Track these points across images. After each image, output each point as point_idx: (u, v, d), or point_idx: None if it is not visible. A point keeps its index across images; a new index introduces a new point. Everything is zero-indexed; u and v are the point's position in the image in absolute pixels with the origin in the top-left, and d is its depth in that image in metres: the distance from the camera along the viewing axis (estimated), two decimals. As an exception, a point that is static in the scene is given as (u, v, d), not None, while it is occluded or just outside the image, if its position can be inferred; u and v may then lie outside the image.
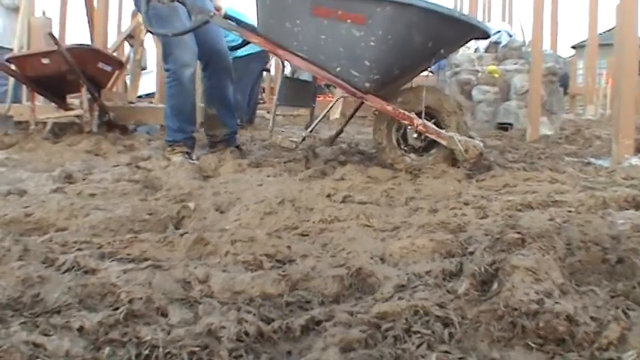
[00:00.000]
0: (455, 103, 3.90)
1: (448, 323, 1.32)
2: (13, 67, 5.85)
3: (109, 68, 6.04)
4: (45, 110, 6.19)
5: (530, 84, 6.56)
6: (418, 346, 1.23)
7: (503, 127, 7.85)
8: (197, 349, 1.21)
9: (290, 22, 3.71)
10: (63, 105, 6.04)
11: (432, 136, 3.66)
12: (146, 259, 1.86)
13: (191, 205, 2.56)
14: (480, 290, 1.50)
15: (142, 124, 6.49)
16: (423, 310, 1.37)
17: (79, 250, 1.95)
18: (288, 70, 5.30)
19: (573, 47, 38.80)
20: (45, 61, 5.59)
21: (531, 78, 6.42)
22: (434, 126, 3.68)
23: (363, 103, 3.88)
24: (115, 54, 6.90)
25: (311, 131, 4.15)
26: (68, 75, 5.56)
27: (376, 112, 3.96)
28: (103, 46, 7.35)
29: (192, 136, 4.46)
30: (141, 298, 1.44)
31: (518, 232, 1.77)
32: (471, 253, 1.85)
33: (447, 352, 1.20)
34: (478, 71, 8.41)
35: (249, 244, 1.97)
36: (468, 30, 3.74)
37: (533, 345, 1.24)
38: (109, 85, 6.17)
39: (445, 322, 1.33)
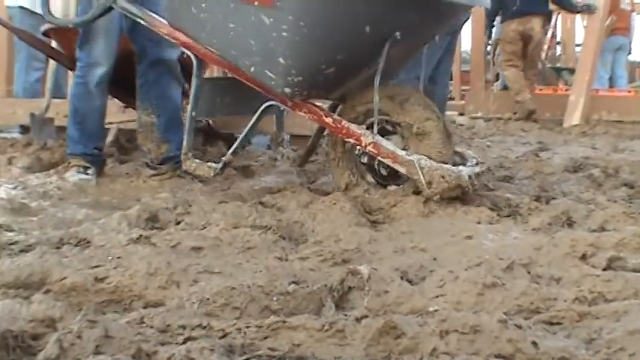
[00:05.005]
0: (429, 114, 4.11)
1: None
2: (54, 43, 6.09)
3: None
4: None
5: None
6: None
7: None
8: None
9: (195, 6, 4.23)
10: (132, 103, 6.22)
11: (387, 161, 3.99)
12: (302, 358, 1.89)
13: (363, 269, 2.57)
14: None
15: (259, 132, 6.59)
16: None
17: (190, 338, 2.03)
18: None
19: None
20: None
21: None
22: (390, 145, 3.99)
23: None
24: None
25: (234, 153, 4.41)
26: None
27: None
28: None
29: (96, 153, 5.20)
30: None
31: None
32: None
33: None
34: None
35: (470, 337, 1.98)
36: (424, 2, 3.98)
37: None
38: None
39: None
